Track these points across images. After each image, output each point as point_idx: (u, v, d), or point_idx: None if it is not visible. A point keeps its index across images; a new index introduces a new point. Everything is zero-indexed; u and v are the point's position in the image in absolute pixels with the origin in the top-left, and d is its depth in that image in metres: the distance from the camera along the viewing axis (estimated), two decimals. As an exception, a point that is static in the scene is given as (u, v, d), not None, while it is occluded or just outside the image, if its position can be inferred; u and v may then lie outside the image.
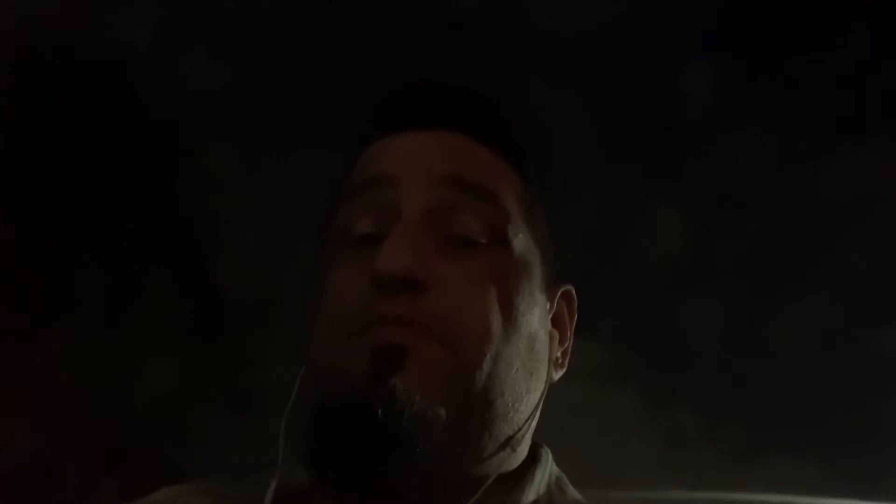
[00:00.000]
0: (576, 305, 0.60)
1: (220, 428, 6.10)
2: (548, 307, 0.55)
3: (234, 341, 6.16)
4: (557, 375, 0.56)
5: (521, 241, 0.52)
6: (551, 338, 0.55)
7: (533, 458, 0.53)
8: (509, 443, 0.50)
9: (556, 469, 0.55)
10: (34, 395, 5.00)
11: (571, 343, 0.59)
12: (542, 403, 0.53)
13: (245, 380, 5.99)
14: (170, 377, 5.68)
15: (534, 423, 0.53)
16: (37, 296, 5.10)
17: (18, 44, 5.29)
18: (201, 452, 6.00)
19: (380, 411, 0.43)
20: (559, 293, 0.57)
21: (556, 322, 0.57)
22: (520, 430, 0.50)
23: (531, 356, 0.51)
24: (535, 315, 0.52)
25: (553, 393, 0.55)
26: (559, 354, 0.57)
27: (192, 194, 5.87)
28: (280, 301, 5.91)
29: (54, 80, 5.40)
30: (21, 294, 4.95)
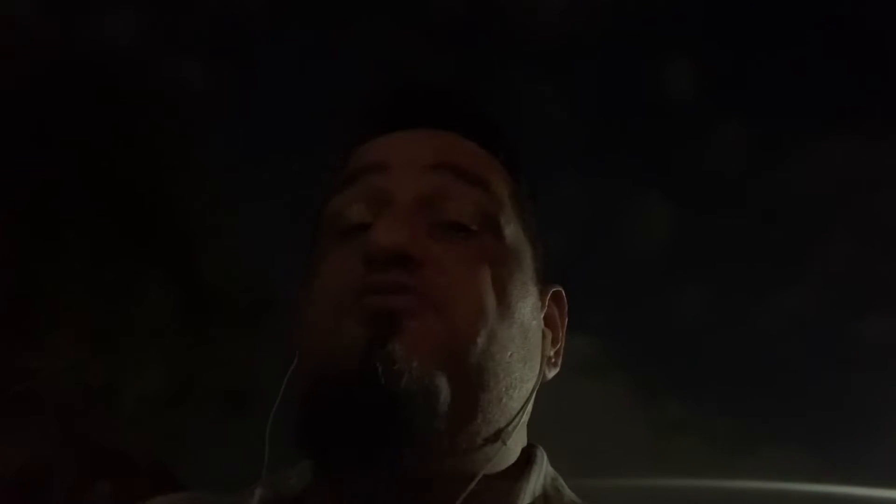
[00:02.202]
0: (566, 307, 0.60)
1: (212, 429, 6.08)
2: (539, 303, 0.55)
3: (225, 343, 6.13)
4: (551, 374, 0.56)
5: (513, 231, 0.52)
6: (544, 336, 0.55)
7: (528, 460, 0.53)
8: (500, 434, 0.49)
9: (551, 470, 0.54)
10: (26, 398, 4.96)
11: (563, 343, 0.58)
12: (533, 398, 0.52)
13: (237, 381, 5.97)
14: (161, 379, 5.65)
15: (525, 417, 0.52)
16: (27, 299, 5.06)
17: (6, 45, 5.25)
18: (193, 454, 5.98)
19: (379, 370, 0.43)
20: (550, 294, 0.57)
21: (548, 322, 0.57)
22: (511, 420, 0.50)
23: (525, 345, 0.51)
24: (528, 305, 0.52)
25: (545, 385, 0.54)
26: (552, 354, 0.56)
27: (183, 196, 5.84)
28: (272, 301, 5.89)
29: (42, 81, 5.36)
30: (11, 298, 4.92)
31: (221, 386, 6.06)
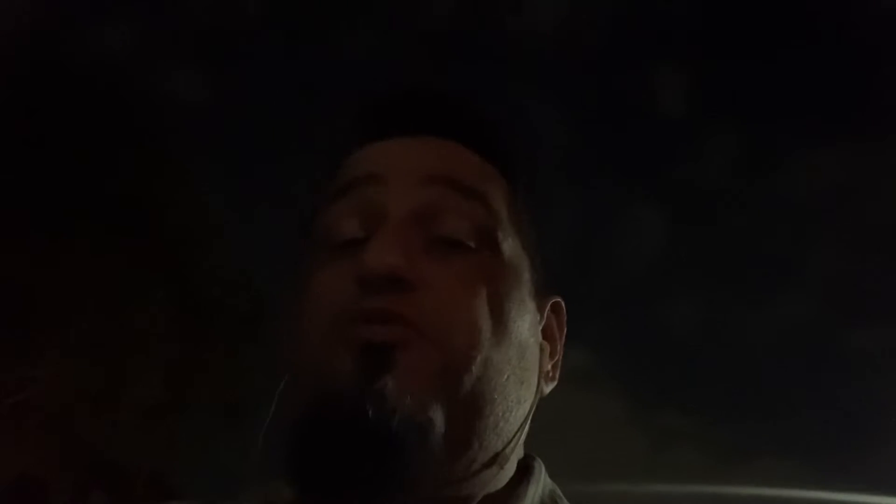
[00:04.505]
0: (565, 318, 0.58)
1: (208, 438, 6.05)
2: (538, 318, 0.54)
3: (222, 352, 6.10)
4: (548, 389, 0.55)
5: (511, 245, 0.51)
6: (541, 350, 0.54)
7: (526, 471, 0.52)
8: (497, 459, 0.48)
9: (549, 482, 0.53)
10: (23, 407, 4.94)
11: (561, 356, 0.57)
12: (531, 417, 0.51)
13: (233, 390, 5.93)
14: (158, 388, 5.62)
15: (522, 438, 0.51)
16: (24, 310, 5.04)
17: (8, 57, 5.24)
18: (189, 463, 5.95)
19: (370, 412, 0.41)
20: (548, 305, 0.56)
21: (546, 334, 0.55)
22: (508, 444, 0.49)
23: (522, 365, 0.49)
24: (526, 322, 0.51)
25: (542, 397, 0.53)
26: (549, 367, 0.55)
27: (180, 206, 5.82)
28: (269, 311, 5.85)
29: (45, 93, 5.35)
30: (9, 307, 4.89)
31: (218, 395, 6.03)
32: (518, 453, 0.52)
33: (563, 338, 0.58)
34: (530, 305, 0.52)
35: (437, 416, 0.44)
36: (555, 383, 0.56)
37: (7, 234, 5.02)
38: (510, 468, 0.51)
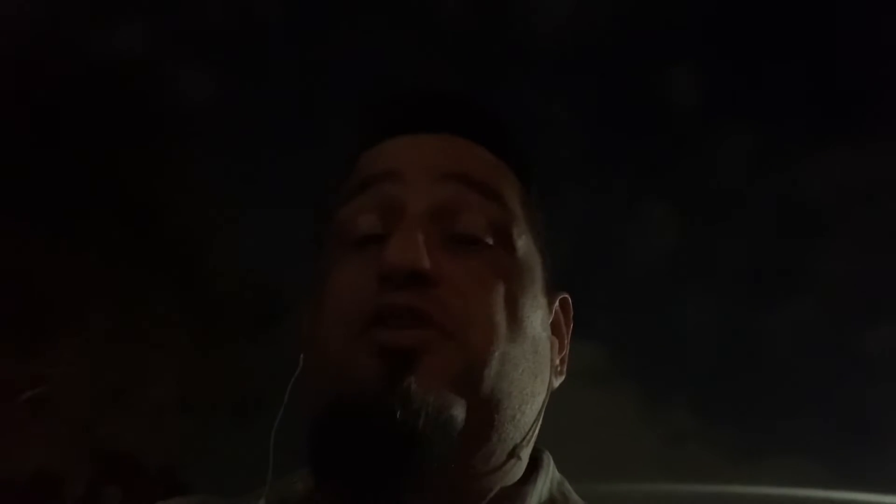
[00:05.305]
0: (572, 314, 0.59)
1: (220, 435, 6.10)
2: (548, 313, 0.55)
3: (234, 350, 6.15)
4: (557, 383, 0.56)
5: (525, 242, 0.52)
6: (551, 345, 0.55)
7: (535, 464, 0.53)
8: (515, 451, 0.49)
9: (558, 475, 0.54)
10: (35, 405, 4.99)
11: (568, 351, 0.58)
12: (544, 410, 0.52)
13: (245, 388, 5.98)
14: (170, 386, 5.67)
15: (537, 430, 0.52)
16: (37, 306, 5.10)
17: (19, 56, 5.30)
18: (202, 460, 5.99)
19: (398, 413, 0.42)
20: (557, 301, 0.57)
21: (555, 330, 0.57)
22: (524, 436, 0.50)
23: (535, 359, 0.50)
24: (538, 318, 0.52)
25: (553, 393, 0.54)
26: (558, 362, 0.57)
27: (192, 204, 5.87)
28: (279, 310, 5.90)
29: (54, 91, 5.40)
30: (21, 305, 4.95)
31: (229, 392, 6.08)
32: (530, 446, 0.53)
33: (570, 333, 0.59)
34: (542, 301, 0.53)
35: (459, 413, 0.45)
36: (563, 377, 0.57)
37: (19, 230, 5.07)
38: (525, 460, 0.52)
